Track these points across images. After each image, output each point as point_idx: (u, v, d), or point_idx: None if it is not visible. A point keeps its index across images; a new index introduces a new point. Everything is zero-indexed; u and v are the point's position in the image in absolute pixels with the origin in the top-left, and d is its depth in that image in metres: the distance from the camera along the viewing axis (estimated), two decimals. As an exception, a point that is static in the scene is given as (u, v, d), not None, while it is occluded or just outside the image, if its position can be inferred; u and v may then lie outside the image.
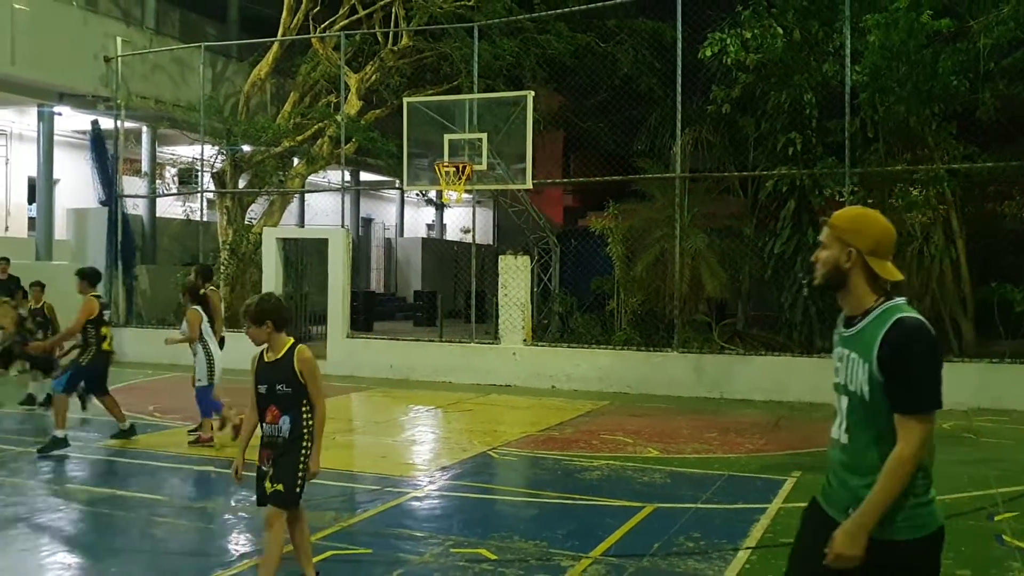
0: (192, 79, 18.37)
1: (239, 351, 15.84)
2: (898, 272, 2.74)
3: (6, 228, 18.77)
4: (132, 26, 18.98)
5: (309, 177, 19.33)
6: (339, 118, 16.88)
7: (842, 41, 12.74)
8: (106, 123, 17.97)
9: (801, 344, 13.69)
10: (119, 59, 17.51)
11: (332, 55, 17.89)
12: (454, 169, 13.67)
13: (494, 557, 5.46)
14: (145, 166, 19.46)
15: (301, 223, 23.06)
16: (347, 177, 21.10)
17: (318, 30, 18.08)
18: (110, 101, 17.55)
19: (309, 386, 4.63)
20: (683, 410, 11.80)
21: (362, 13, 18.17)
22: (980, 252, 13.67)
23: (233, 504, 6.98)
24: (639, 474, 7.85)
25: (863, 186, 13.50)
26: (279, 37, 18.27)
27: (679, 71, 13.53)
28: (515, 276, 14.38)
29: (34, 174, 17.75)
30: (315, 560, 5.36)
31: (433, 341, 15.64)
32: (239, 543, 5.98)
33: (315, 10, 18.17)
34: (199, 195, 18.62)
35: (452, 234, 32.11)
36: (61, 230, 18.09)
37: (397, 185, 21.38)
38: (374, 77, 18.31)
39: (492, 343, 14.63)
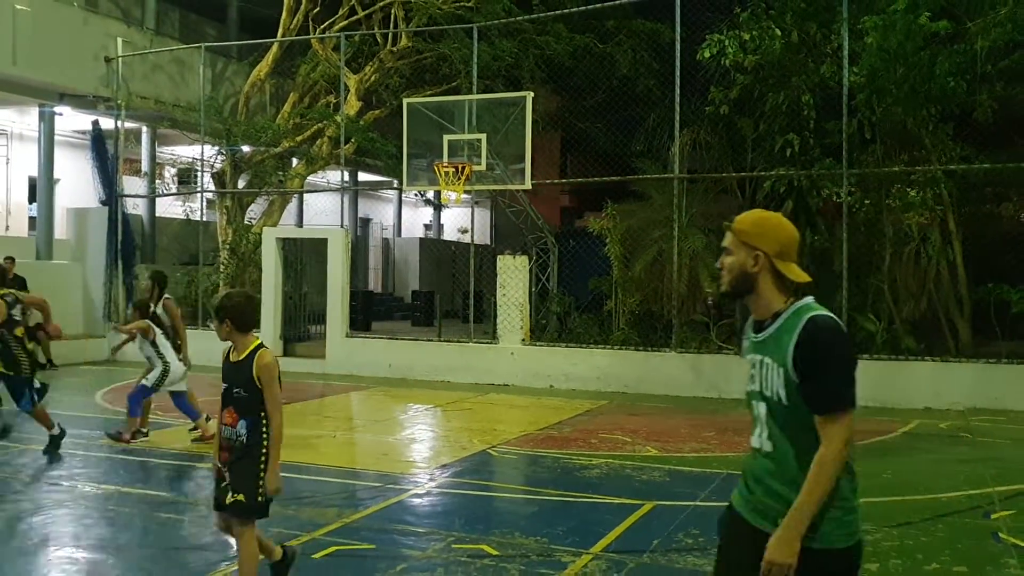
0: (192, 79, 18.41)
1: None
2: (804, 273, 2.69)
3: (7, 227, 18.79)
4: (132, 26, 19.02)
5: (308, 177, 19.37)
6: (338, 119, 16.94)
7: (840, 43, 12.80)
8: (106, 123, 18.00)
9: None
10: (119, 59, 17.55)
11: (332, 56, 17.94)
12: (453, 170, 13.73)
13: (495, 553, 5.52)
14: (145, 166, 19.48)
15: (300, 223, 23.10)
16: (346, 177, 21.17)
17: (317, 31, 18.14)
18: (110, 101, 17.58)
19: (265, 393, 4.35)
20: (681, 409, 11.86)
21: (361, 14, 18.22)
22: (977, 253, 13.74)
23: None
24: (638, 472, 7.91)
25: (860, 187, 13.57)
26: (279, 38, 18.32)
27: (677, 72, 13.59)
28: (513, 276, 14.45)
29: (35, 174, 17.78)
30: (318, 555, 5.42)
31: (431, 341, 15.70)
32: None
33: (315, 11, 18.22)
34: (199, 195, 18.66)
35: (449, 234, 32.16)
36: (61, 229, 18.11)
37: (396, 185, 21.42)
38: (373, 78, 18.37)
39: (490, 343, 14.69)
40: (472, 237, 17.75)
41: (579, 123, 19.16)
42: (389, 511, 6.58)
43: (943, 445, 9.73)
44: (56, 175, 17.63)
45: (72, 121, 18.23)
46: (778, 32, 13.31)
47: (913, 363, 12.26)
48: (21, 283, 13.81)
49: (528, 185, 14.18)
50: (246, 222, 18.28)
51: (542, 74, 18.13)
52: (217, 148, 18.01)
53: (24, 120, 18.35)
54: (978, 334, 13.30)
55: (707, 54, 13.39)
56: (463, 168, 13.68)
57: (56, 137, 17.50)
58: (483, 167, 13.97)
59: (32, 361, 8.48)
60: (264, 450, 4.37)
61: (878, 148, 13.47)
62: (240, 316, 4.43)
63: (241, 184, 18.59)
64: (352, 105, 17.83)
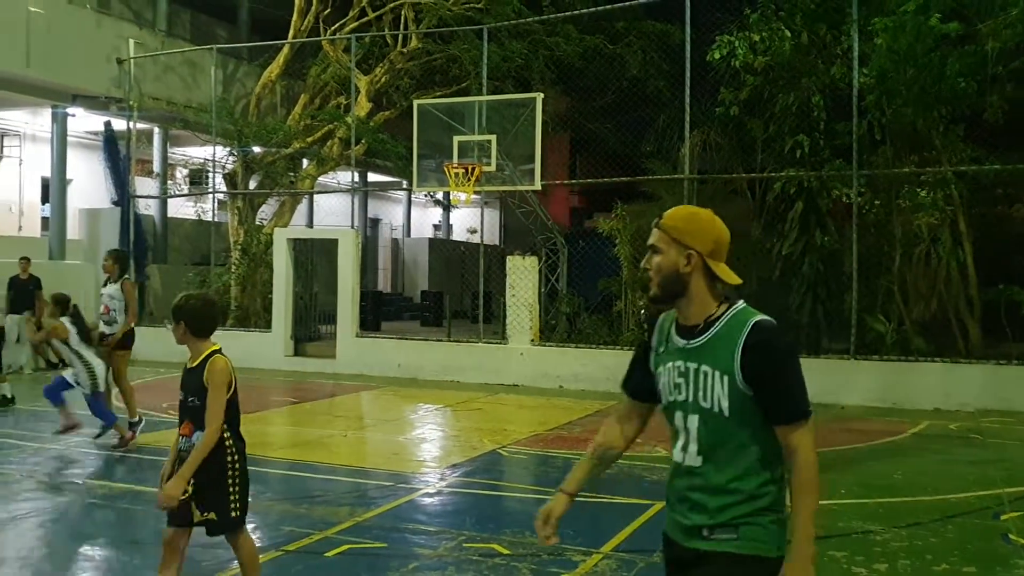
0: (203, 81, 18.52)
1: (241, 349, 15.88)
2: (735, 275, 2.49)
3: (20, 228, 18.94)
4: (144, 28, 19.15)
5: (319, 178, 19.45)
6: (349, 120, 17.02)
7: (850, 44, 12.80)
8: (119, 124, 18.12)
9: (808, 345, 13.75)
10: (131, 61, 17.67)
11: (342, 57, 18.02)
12: (463, 170, 13.78)
13: (507, 552, 5.56)
14: (157, 167, 19.63)
15: (311, 224, 23.19)
16: (356, 178, 21.24)
17: (328, 32, 18.21)
18: (123, 102, 17.70)
19: (208, 398, 4.04)
20: (691, 410, 11.85)
21: (372, 16, 18.29)
22: (988, 254, 13.71)
23: (249, 499, 7.07)
24: (648, 472, 7.94)
25: (870, 188, 13.57)
26: (289, 39, 18.41)
27: (688, 73, 13.60)
28: (523, 277, 14.48)
29: (47, 174, 17.92)
30: (331, 554, 5.47)
31: (441, 341, 15.75)
32: (257, 537, 6.08)
33: (325, 12, 18.30)
34: (211, 196, 18.78)
35: (459, 234, 32.23)
36: (74, 230, 18.24)
37: (406, 186, 21.48)
38: (384, 79, 18.43)
39: (500, 343, 14.73)
40: (481, 237, 17.81)
41: (589, 124, 19.19)
42: (400, 510, 6.63)
43: (953, 446, 9.72)
44: (69, 176, 17.76)
45: (85, 122, 18.37)
46: (788, 33, 13.31)
47: (923, 364, 12.25)
48: (36, 283, 13.91)
49: (538, 186, 14.22)
50: (257, 223, 18.38)
51: (552, 75, 18.18)
52: (228, 149, 18.12)
53: (37, 121, 18.50)
54: (988, 335, 13.28)
55: (717, 55, 13.40)
56: (473, 169, 13.73)
57: (69, 138, 17.64)
58: (493, 168, 14.02)
59: None
60: (229, 459, 4.11)
61: (888, 149, 13.46)
62: (196, 320, 4.16)
63: (252, 185, 18.69)
64: (362, 106, 17.90)
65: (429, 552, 5.57)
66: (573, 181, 20.28)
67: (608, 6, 15.95)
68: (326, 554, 5.46)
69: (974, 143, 13.13)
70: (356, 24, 18.22)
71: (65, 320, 8.60)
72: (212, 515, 4.12)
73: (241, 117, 18.47)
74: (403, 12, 18.27)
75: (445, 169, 13.99)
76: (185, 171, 21.92)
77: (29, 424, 9.89)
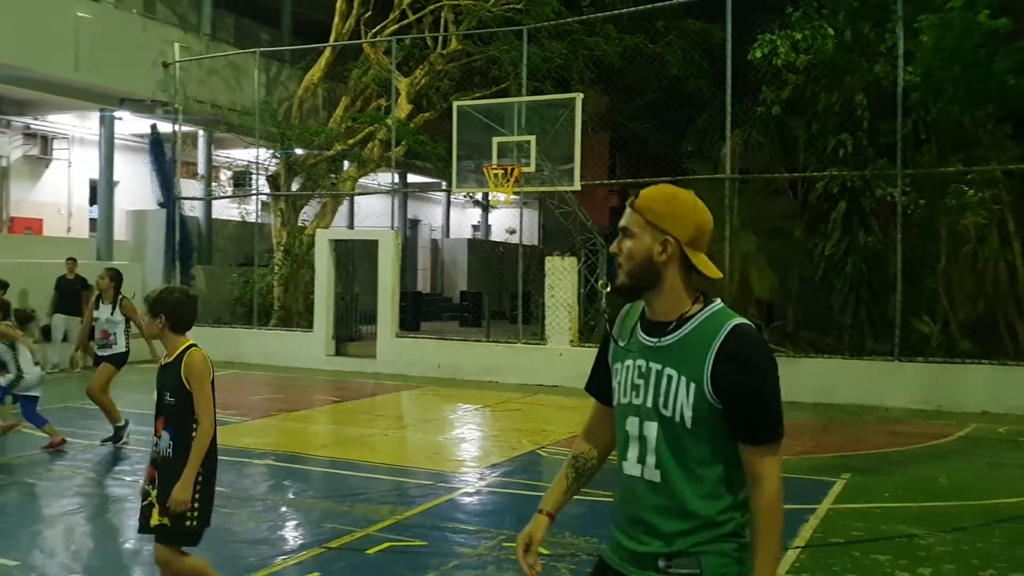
0: (247, 84, 18.77)
1: (284, 349, 16.02)
2: (716, 268, 2.21)
3: (68, 229, 19.35)
4: (189, 32, 19.45)
5: (359, 179, 19.62)
6: (389, 122, 17.14)
7: (894, 41, 12.64)
8: (164, 127, 18.43)
9: (851, 346, 13.59)
10: (177, 65, 17.95)
11: (383, 60, 18.15)
12: (502, 171, 13.82)
13: (546, 552, 5.58)
14: (202, 169, 19.92)
15: (351, 225, 23.39)
16: (396, 179, 21.40)
17: (369, 35, 18.36)
18: (168, 106, 18.00)
19: (194, 396, 3.89)
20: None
21: (412, 18, 18.41)
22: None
23: (292, 497, 7.20)
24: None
25: (915, 187, 13.37)
26: (331, 42, 18.59)
27: (729, 72, 13.50)
28: (562, 277, 14.49)
29: (95, 177, 18.28)
30: (372, 551, 5.53)
31: (480, 341, 15.81)
32: (300, 534, 6.18)
33: (366, 15, 18.45)
34: (254, 197, 19.03)
35: (497, 235, 32.28)
36: (121, 231, 18.58)
37: (445, 187, 21.58)
38: (423, 81, 18.53)
39: (538, 343, 14.74)
40: (520, 238, 17.83)
41: (629, 123, 19.13)
42: (440, 509, 6.68)
43: (1001, 450, 9.55)
44: (116, 178, 18.10)
45: (131, 125, 18.70)
46: (831, 31, 13.18)
47: (970, 366, 12.04)
48: (82, 283, 14.22)
49: (577, 186, 14.21)
50: (300, 224, 18.59)
51: (591, 75, 18.14)
52: (271, 151, 18.34)
53: (85, 124, 18.88)
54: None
55: (758, 54, 13.31)
56: (512, 170, 13.77)
57: (116, 141, 17.98)
58: (532, 168, 14.03)
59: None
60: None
61: (933, 148, 13.27)
62: (177, 313, 3.97)
63: (295, 187, 18.90)
64: (402, 108, 18.02)
65: (469, 551, 5.60)
66: (613, 181, 20.19)
67: (648, 5, 15.89)
68: (368, 551, 5.53)
69: (1023, 141, 12.87)
70: (396, 27, 18.34)
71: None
72: (166, 520, 3.88)
73: (284, 120, 18.69)
74: (443, 14, 18.36)
75: (484, 170, 14.04)
76: (229, 173, 22.22)
77: (78, 421, 10.11)
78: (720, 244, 13.81)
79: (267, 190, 18.75)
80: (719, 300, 2.23)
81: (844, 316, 14.00)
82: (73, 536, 6.05)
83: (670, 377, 2.16)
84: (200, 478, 3.89)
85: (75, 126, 19.18)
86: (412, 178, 25.29)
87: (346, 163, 19.62)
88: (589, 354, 14.42)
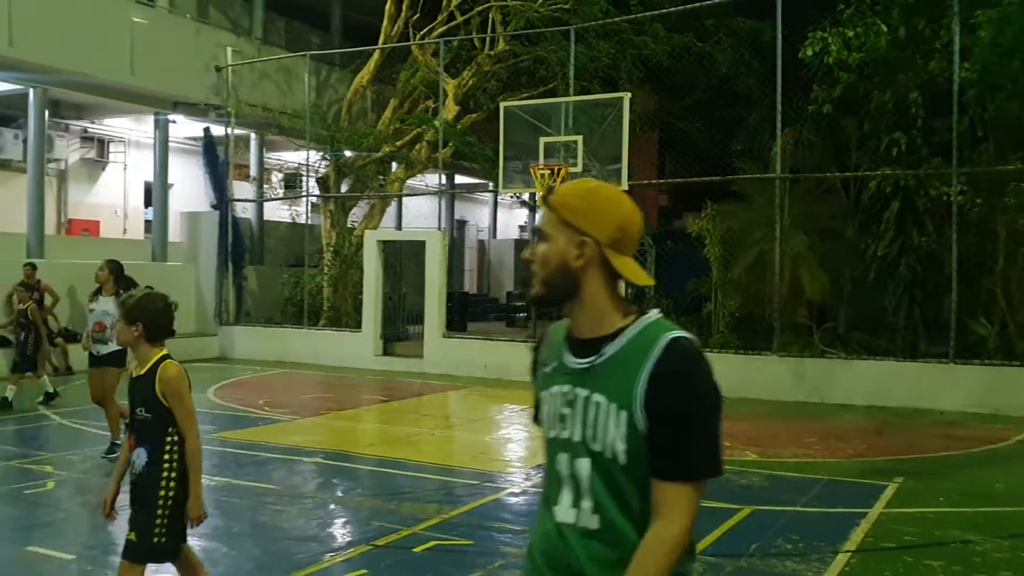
0: (297, 87, 19.02)
1: (333, 348, 16.20)
2: (645, 274, 1.91)
3: (124, 231, 19.78)
4: (241, 36, 19.75)
5: (407, 181, 19.76)
6: (437, 123, 17.24)
7: (950, 38, 12.37)
8: (217, 130, 18.74)
9: (904, 348, 13.34)
10: (229, 68, 18.24)
11: (431, 61, 18.26)
12: (549, 171, 13.79)
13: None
14: (253, 171, 20.22)
15: (399, 226, 23.57)
16: (443, 180, 21.49)
17: (417, 37, 18.47)
18: (221, 109, 18.29)
19: (174, 410, 3.65)
20: (782, 414, 11.66)
21: (460, 19, 18.48)
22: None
23: (340, 494, 7.28)
24: (737, 477, 7.82)
25: (971, 187, 13.08)
26: (380, 45, 18.75)
27: (779, 71, 13.34)
28: (610, 278, 14.40)
29: (150, 179, 18.64)
30: (419, 549, 5.57)
31: (527, 342, 15.80)
32: (348, 531, 6.25)
33: (414, 18, 18.57)
34: (304, 199, 19.27)
35: (545, 236, 32.23)
36: (175, 232, 18.95)
37: (492, 188, 21.62)
38: (471, 82, 18.60)
39: (587, 344, 14.67)
40: (568, 238, 17.73)
41: (677, 123, 18.97)
42: (486, 508, 6.70)
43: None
44: (170, 180, 18.45)
45: (185, 128, 19.05)
46: (884, 28, 12.94)
47: (1029, 369, 11.74)
48: (129, 283, 14.39)
49: (625, 186, 14.10)
50: (349, 225, 18.78)
51: (639, 74, 18.03)
52: (321, 154, 18.56)
53: (140, 128, 19.27)
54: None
55: (809, 52, 13.12)
56: (559, 170, 13.73)
57: (170, 144, 18.32)
58: (579, 168, 13.99)
59: None
60: (165, 483, 3.66)
61: (991, 146, 12.98)
62: (155, 322, 3.72)
63: (344, 188, 19.10)
64: (450, 109, 18.11)
65: (515, 551, 5.61)
66: (661, 181, 20.07)
67: (697, 4, 15.75)
68: (414, 549, 5.57)
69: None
70: (444, 28, 18.43)
71: None
72: (132, 536, 3.68)
73: (333, 122, 18.90)
74: (491, 15, 18.41)
75: (531, 170, 14.04)
76: (280, 175, 22.54)
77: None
78: (771, 244, 13.67)
79: (317, 192, 18.97)
80: (656, 310, 1.91)
81: (897, 318, 13.75)
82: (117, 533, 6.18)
83: (598, 405, 1.84)
84: (172, 493, 3.68)
85: (131, 129, 19.59)
86: (459, 179, 25.40)
87: (394, 165, 19.78)
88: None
